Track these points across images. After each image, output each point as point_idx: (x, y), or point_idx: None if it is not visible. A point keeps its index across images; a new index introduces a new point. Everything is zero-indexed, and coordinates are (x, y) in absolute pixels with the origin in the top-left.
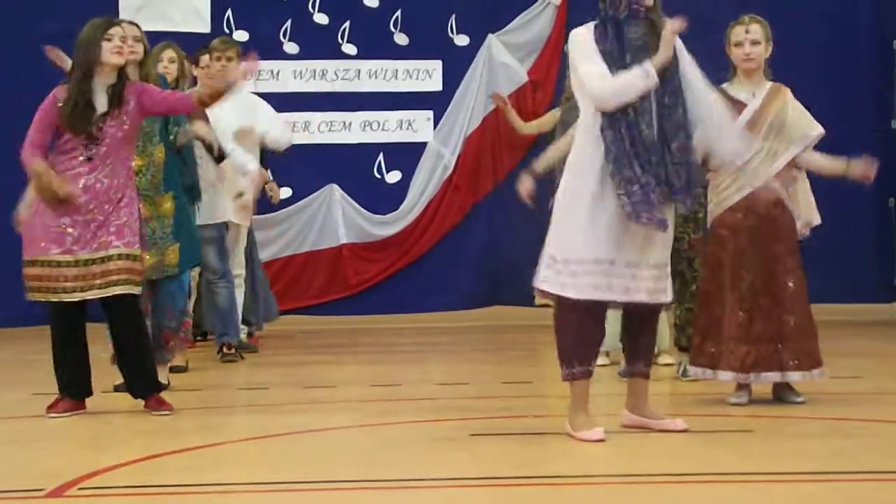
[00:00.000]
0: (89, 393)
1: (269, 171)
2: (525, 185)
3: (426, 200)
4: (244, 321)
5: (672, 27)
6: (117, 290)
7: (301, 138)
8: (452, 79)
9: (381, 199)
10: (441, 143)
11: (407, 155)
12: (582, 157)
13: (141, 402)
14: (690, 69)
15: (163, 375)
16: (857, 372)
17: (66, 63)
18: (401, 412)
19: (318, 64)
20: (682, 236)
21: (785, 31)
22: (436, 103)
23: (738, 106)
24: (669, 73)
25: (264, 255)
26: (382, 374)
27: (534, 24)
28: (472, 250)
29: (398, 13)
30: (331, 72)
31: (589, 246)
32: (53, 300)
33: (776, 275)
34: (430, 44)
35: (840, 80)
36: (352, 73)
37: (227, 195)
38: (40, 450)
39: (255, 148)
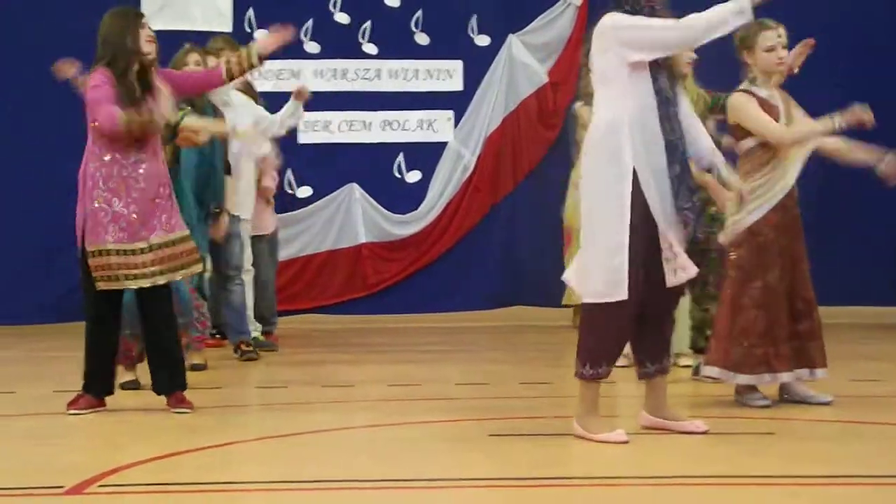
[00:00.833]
0: (111, 391)
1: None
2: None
3: (446, 200)
4: (262, 319)
5: None
6: (187, 272)
7: (321, 137)
8: (473, 79)
9: (401, 199)
10: (461, 144)
11: (427, 155)
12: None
13: (159, 400)
14: None
15: None
16: (876, 375)
17: (72, 70)
18: (419, 412)
19: (339, 63)
20: (709, 234)
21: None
22: (456, 103)
23: (773, 110)
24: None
25: (284, 253)
26: (401, 374)
27: (554, 25)
28: (492, 251)
29: (419, 13)
30: (351, 71)
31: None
32: (130, 286)
33: (805, 272)
34: (450, 44)
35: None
36: (372, 72)
37: (243, 190)
38: (59, 446)
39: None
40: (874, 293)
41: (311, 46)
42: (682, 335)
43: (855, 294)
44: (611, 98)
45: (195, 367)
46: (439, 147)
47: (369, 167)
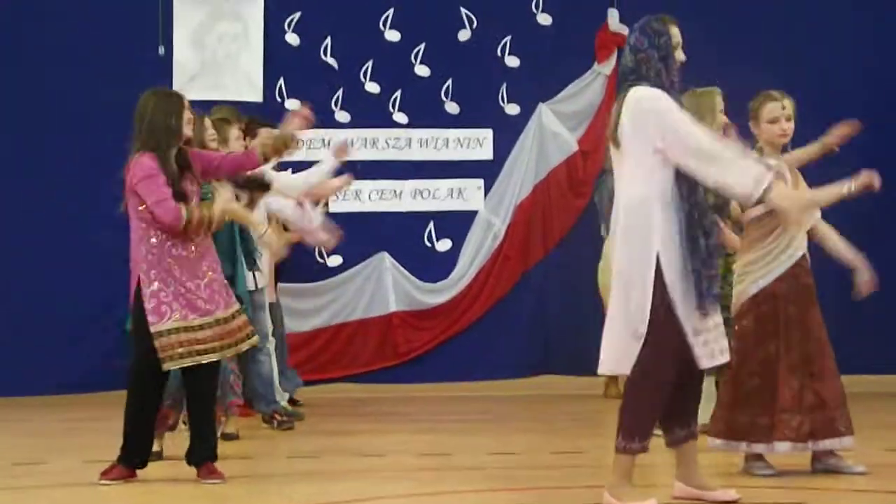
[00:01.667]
0: (145, 463)
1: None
2: None
3: (476, 269)
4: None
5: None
6: (246, 345)
7: (352, 206)
8: (503, 147)
9: (432, 268)
10: (491, 212)
11: (457, 223)
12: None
13: (187, 472)
14: None
15: None
16: None
17: None
18: (451, 482)
19: (370, 132)
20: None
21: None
22: (486, 172)
23: (782, 179)
24: None
25: (315, 322)
26: (432, 443)
27: (584, 94)
28: (522, 319)
29: (449, 82)
30: (382, 140)
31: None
32: (200, 361)
33: (820, 340)
34: (480, 112)
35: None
36: (403, 141)
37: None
38: None
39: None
40: (888, 361)
41: (342, 115)
42: None
43: (886, 363)
44: (637, 171)
45: (228, 437)
46: (470, 215)
47: (400, 236)
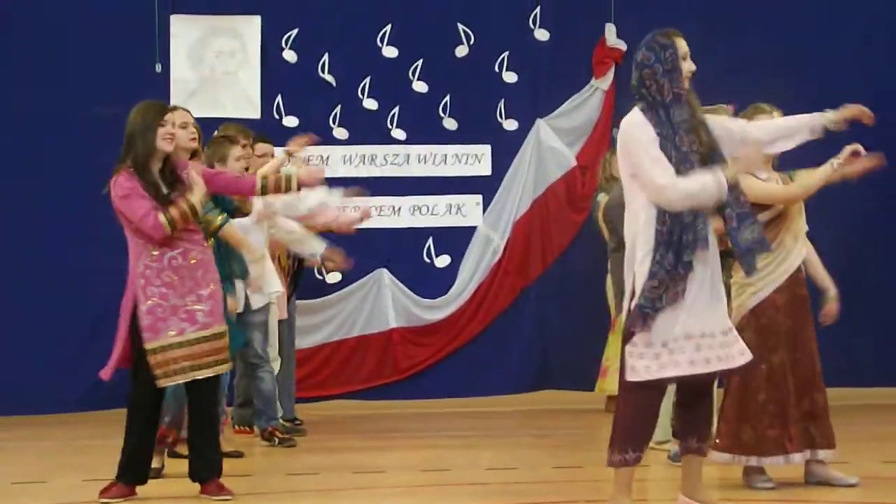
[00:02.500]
0: (144, 481)
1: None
2: None
3: (475, 285)
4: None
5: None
6: (224, 368)
7: None
8: (501, 163)
9: (431, 284)
10: (490, 228)
11: (456, 239)
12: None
13: (188, 489)
14: None
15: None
16: None
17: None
18: (451, 498)
19: (368, 149)
20: None
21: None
22: (485, 188)
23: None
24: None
25: (315, 339)
26: (432, 459)
27: (582, 109)
28: (522, 334)
29: (447, 98)
30: (380, 157)
31: (684, 323)
32: (197, 377)
33: (812, 352)
34: (478, 128)
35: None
36: (401, 157)
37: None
38: None
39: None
40: (884, 374)
41: (340, 132)
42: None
43: (881, 375)
44: (631, 196)
45: (232, 455)
46: (468, 231)
47: (399, 252)
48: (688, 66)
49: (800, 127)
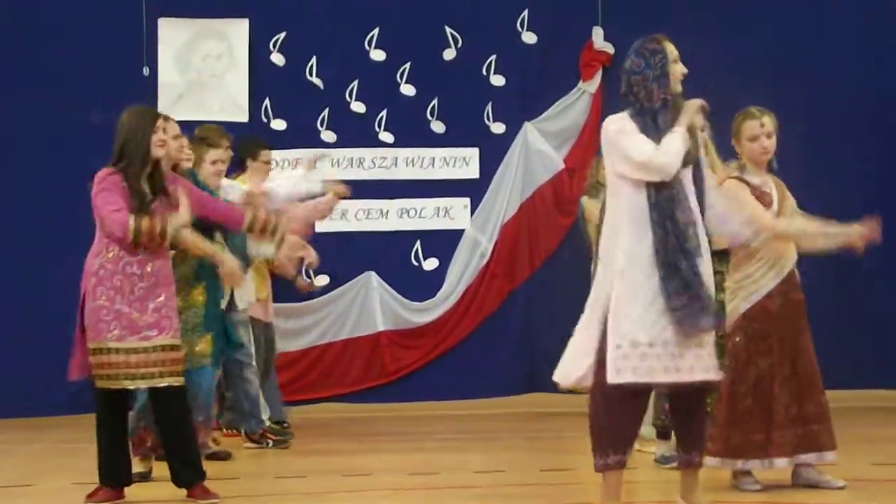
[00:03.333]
0: (129, 482)
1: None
2: None
3: (463, 288)
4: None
5: (697, 103)
6: (171, 381)
7: (338, 226)
8: (489, 166)
9: (419, 287)
10: (478, 231)
11: (444, 242)
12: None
13: (178, 491)
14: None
15: None
16: None
17: None
18: (439, 500)
19: (355, 152)
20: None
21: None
22: (472, 191)
23: (766, 197)
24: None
25: (302, 342)
26: (420, 462)
27: (569, 112)
28: (509, 337)
29: (434, 101)
30: (368, 160)
31: (655, 328)
32: (128, 386)
33: (808, 354)
34: (466, 131)
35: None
36: (389, 161)
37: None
38: None
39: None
40: (893, 376)
41: (328, 135)
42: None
43: (874, 377)
44: (614, 198)
45: (220, 455)
46: (456, 234)
47: (386, 255)
48: (679, 69)
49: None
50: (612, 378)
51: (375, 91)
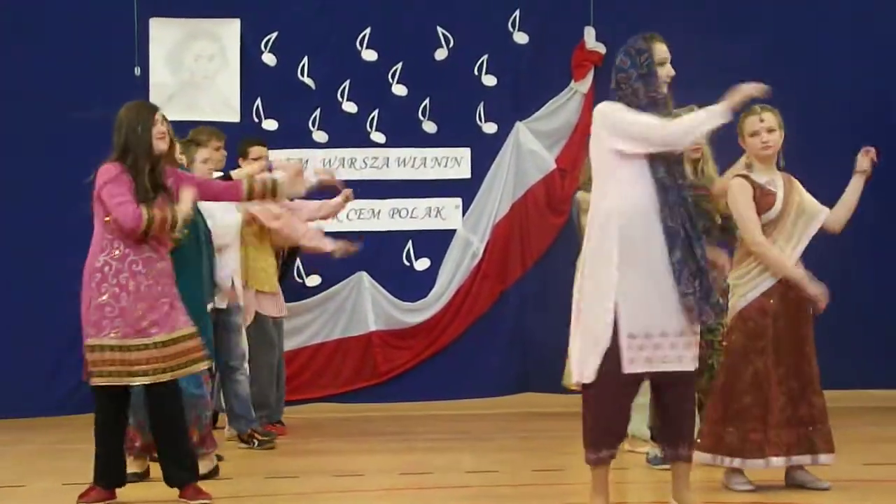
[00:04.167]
0: (122, 483)
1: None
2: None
3: (455, 288)
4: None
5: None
6: (190, 370)
7: (330, 226)
8: (481, 166)
9: (411, 287)
10: (470, 231)
11: (436, 242)
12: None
13: (170, 492)
14: None
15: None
16: (891, 459)
17: None
18: (431, 501)
19: (347, 152)
20: (716, 327)
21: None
22: (464, 191)
23: (769, 197)
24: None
25: (293, 342)
26: (412, 463)
27: (561, 112)
28: (501, 337)
29: (426, 101)
30: (359, 160)
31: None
32: (128, 383)
33: (808, 357)
34: (458, 131)
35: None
36: (380, 161)
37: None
38: None
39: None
40: (886, 376)
41: (319, 136)
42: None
43: (869, 377)
44: (606, 187)
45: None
46: (448, 234)
47: (378, 255)
48: (665, 71)
49: None
50: (627, 368)
51: (367, 91)
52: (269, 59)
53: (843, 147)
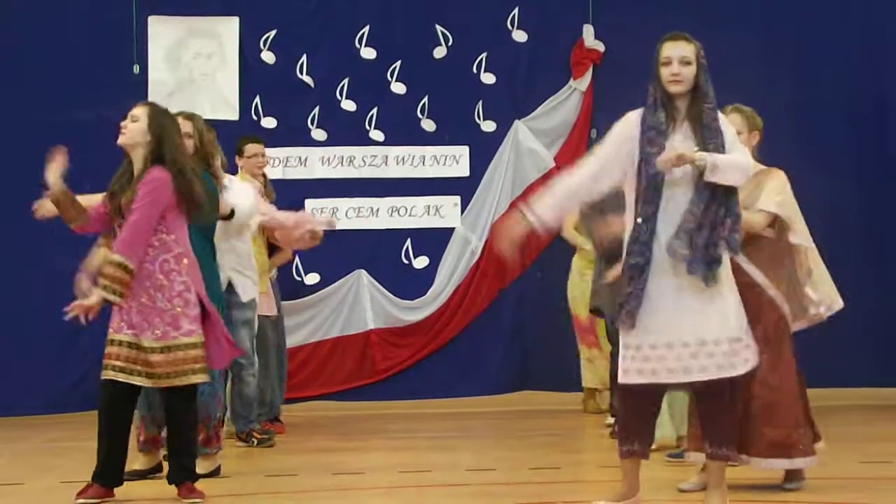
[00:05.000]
0: (120, 482)
1: (297, 256)
2: None
3: (454, 286)
4: (269, 405)
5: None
6: (189, 379)
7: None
8: (479, 164)
9: (409, 285)
10: (468, 229)
11: (434, 240)
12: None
13: (168, 490)
14: None
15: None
16: (887, 457)
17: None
18: (430, 499)
19: (346, 150)
20: None
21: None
22: (463, 189)
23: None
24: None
25: (293, 340)
26: (411, 461)
27: (560, 110)
28: (500, 335)
29: (425, 100)
30: (358, 158)
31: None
32: (139, 383)
33: (789, 361)
34: (456, 130)
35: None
36: (379, 159)
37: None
38: None
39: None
40: (880, 374)
41: (318, 134)
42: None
43: (862, 375)
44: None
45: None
46: (447, 232)
47: (377, 253)
48: (668, 72)
49: None
50: (620, 378)
51: (366, 89)
52: (267, 56)
53: (836, 143)
